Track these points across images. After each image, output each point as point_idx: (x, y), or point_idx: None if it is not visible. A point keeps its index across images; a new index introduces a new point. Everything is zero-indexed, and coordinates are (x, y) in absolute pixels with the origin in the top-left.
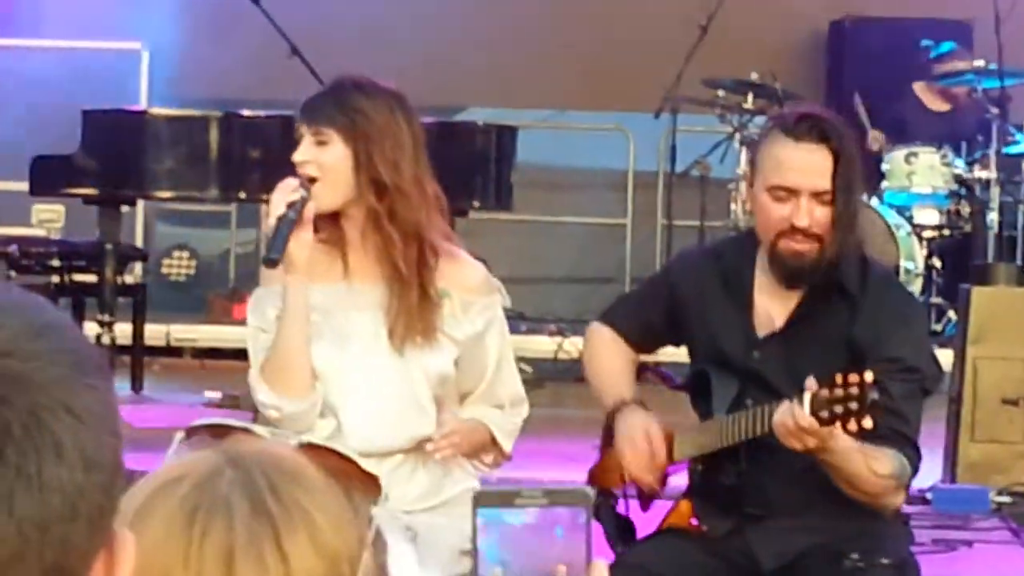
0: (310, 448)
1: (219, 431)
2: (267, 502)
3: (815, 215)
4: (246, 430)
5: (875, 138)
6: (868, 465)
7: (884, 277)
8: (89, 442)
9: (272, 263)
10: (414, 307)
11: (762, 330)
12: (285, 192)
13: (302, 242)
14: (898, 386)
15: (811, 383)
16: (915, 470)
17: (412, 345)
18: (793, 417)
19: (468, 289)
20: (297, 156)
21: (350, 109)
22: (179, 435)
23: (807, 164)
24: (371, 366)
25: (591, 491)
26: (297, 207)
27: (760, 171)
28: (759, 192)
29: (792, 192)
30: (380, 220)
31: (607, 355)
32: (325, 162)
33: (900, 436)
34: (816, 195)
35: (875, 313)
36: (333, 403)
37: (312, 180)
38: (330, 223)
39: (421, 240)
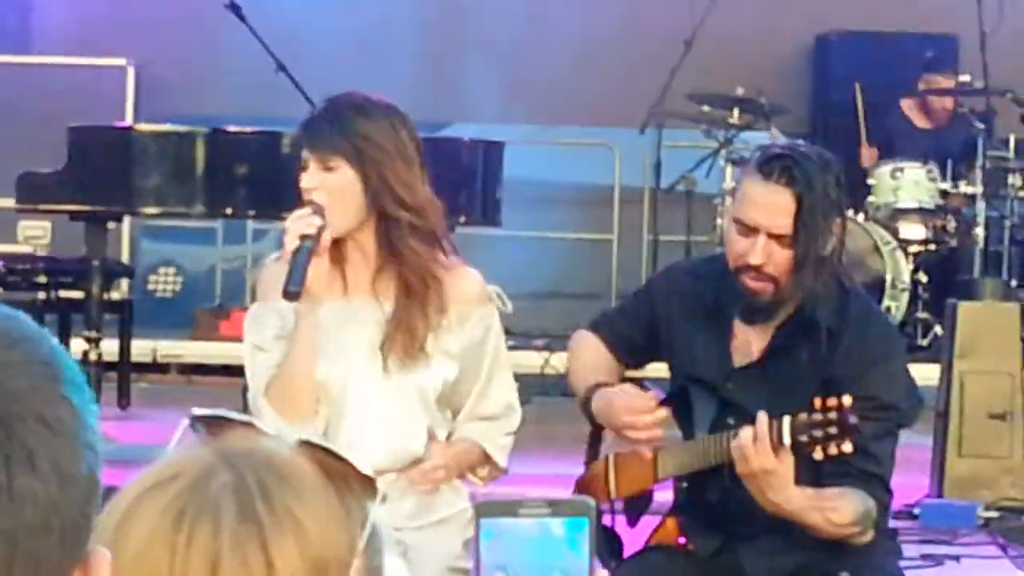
0: (308, 446)
1: (219, 424)
2: (256, 507)
3: (773, 256)
4: (247, 423)
5: (867, 155)
6: (826, 519)
7: (864, 310)
8: (63, 455)
9: (294, 296)
10: (414, 326)
11: (739, 359)
12: (301, 220)
13: (319, 271)
14: (871, 425)
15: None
16: (885, 508)
17: (406, 364)
18: (749, 439)
19: (464, 300)
20: (305, 183)
21: (353, 134)
22: (184, 422)
23: (768, 204)
24: (367, 384)
25: (593, 501)
26: (314, 236)
27: (735, 200)
28: (728, 220)
29: (752, 229)
30: (396, 241)
31: (590, 357)
32: (334, 186)
33: (870, 476)
34: (775, 236)
35: (854, 351)
36: (329, 421)
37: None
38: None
39: (436, 256)
